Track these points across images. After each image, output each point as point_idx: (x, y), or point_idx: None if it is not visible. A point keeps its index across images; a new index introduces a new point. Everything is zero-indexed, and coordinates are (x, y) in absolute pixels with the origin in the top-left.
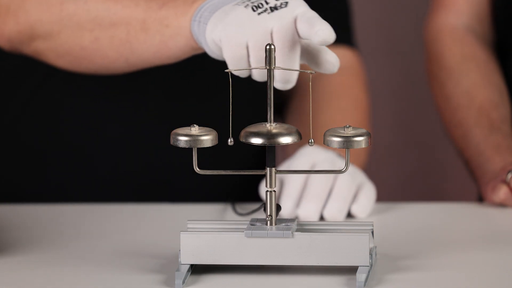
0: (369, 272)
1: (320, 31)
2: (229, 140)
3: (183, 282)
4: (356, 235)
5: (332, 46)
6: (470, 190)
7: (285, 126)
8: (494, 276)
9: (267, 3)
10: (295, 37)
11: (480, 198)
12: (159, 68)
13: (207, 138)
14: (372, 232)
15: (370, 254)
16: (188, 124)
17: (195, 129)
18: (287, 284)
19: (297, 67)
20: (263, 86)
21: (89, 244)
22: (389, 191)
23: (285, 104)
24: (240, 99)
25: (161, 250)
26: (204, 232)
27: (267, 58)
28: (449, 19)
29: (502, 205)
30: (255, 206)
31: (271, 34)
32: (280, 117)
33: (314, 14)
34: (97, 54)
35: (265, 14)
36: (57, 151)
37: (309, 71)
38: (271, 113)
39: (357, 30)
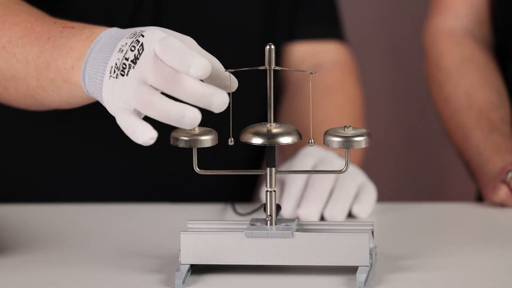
0: (369, 272)
1: (193, 70)
2: (230, 140)
3: (183, 282)
4: (356, 235)
5: (322, 41)
6: (470, 190)
7: (285, 126)
8: (494, 276)
9: (127, 59)
10: (170, 71)
11: (480, 198)
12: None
13: (207, 138)
14: (372, 232)
15: (370, 254)
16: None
17: (195, 129)
18: (287, 284)
19: (190, 95)
20: (263, 86)
21: (89, 244)
22: (389, 191)
23: (278, 104)
24: (240, 99)
25: (161, 250)
26: (204, 232)
27: (267, 58)
28: (448, 22)
29: (502, 205)
30: (255, 206)
31: (147, 83)
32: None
33: (174, 43)
34: (12, 100)
35: (131, 71)
36: (57, 151)
37: (309, 71)
38: (271, 113)
39: (357, 30)
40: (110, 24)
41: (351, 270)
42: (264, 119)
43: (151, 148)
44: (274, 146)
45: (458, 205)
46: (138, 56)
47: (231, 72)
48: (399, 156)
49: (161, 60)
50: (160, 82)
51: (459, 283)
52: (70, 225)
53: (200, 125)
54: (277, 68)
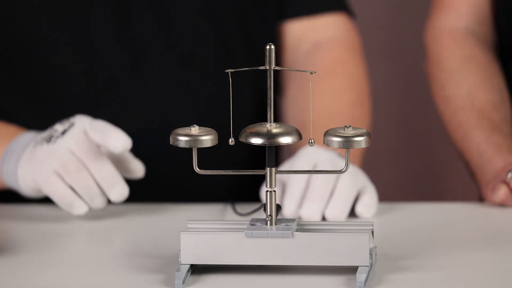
0: (369, 272)
1: (116, 142)
2: (230, 140)
3: (183, 282)
4: (356, 235)
5: (317, 15)
6: (470, 190)
7: (285, 126)
8: (494, 276)
9: (56, 131)
10: (93, 147)
11: (480, 198)
12: (159, 68)
13: (207, 138)
14: (372, 232)
15: (370, 254)
16: (188, 124)
17: (195, 129)
18: (287, 284)
19: (109, 170)
20: (263, 87)
21: (90, 244)
22: (389, 191)
23: (282, 100)
24: (241, 99)
25: (161, 250)
26: (204, 232)
27: (267, 58)
28: (450, 21)
29: (502, 205)
30: (255, 206)
31: (71, 151)
32: (279, 115)
33: (101, 123)
34: None
35: (58, 139)
36: None
37: (309, 71)
38: (271, 113)
39: (358, 30)
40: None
41: (351, 270)
42: (263, 118)
43: (151, 148)
44: (274, 146)
45: (458, 205)
46: (68, 130)
47: (231, 72)
48: (399, 156)
49: (87, 136)
50: (82, 153)
51: (459, 283)
52: (70, 225)
53: (200, 125)
54: (277, 68)
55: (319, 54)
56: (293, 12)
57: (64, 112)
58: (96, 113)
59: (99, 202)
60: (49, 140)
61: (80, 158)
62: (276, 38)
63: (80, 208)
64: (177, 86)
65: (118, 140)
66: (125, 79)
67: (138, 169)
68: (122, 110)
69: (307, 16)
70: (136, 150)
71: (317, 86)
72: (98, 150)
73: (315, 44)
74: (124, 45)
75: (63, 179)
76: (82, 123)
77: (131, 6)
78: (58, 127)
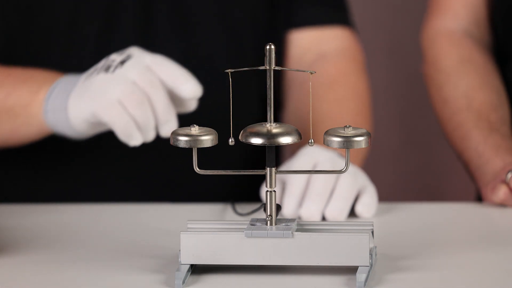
0: (369, 272)
1: (188, 89)
2: (230, 140)
3: (183, 282)
4: (356, 235)
5: (324, 27)
6: (470, 190)
7: (285, 126)
8: (494, 276)
9: (114, 61)
10: (155, 80)
11: (480, 198)
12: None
13: (207, 138)
14: (372, 232)
15: (370, 254)
16: (188, 124)
17: (195, 129)
18: (287, 284)
19: (164, 104)
20: (263, 86)
21: (89, 244)
22: (389, 191)
23: (283, 103)
24: (241, 99)
25: (161, 250)
26: (204, 232)
27: (267, 58)
28: (446, 23)
29: (502, 205)
30: (255, 206)
31: (134, 82)
32: (280, 117)
33: (163, 60)
34: None
35: (118, 70)
36: (57, 151)
37: (309, 71)
38: (271, 113)
39: (357, 30)
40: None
41: (351, 270)
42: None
43: (151, 148)
44: (274, 146)
45: (458, 205)
46: (127, 60)
47: (231, 72)
48: (399, 156)
49: (151, 70)
50: (145, 85)
51: (459, 283)
52: (70, 225)
53: (200, 125)
54: (277, 68)
55: (323, 64)
56: (300, 23)
57: None
58: None
59: (151, 136)
60: (107, 69)
61: (144, 89)
62: (283, 47)
63: (138, 140)
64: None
65: (190, 87)
66: None
67: (190, 104)
68: None
69: (313, 27)
70: (136, 150)
71: (320, 93)
72: (159, 84)
73: (320, 55)
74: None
75: (126, 109)
76: (141, 55)
77: (153, 11)
78: (115, 57)
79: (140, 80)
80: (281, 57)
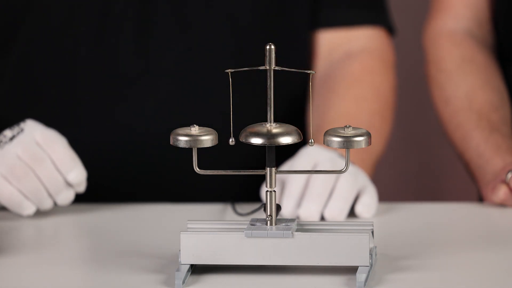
0: (369, 272)
1: (73, 178)
2: (230, 140)
3: (183, 282)
4: (356, 235)
5: (353, 27)
6: (470, 190)
7: (285, 126)
8: (494, 276)
9: (5, 136)
10: (40, 152)
11: (480, 198)
12: (160, 68)
13: (207, 138)
14: (372, 232)
15: (370, 254)
16: (188, 124)
17: (195, 129)
18: (287, 284)
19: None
20: (263, 86)
21: (89, 244)
22: (389, 191)
23: (309, 99)
24: (241, 99)
25: (161, 250)
26: (204, 232)
27: (267, 58)
28: (448, 23)
29: (502, 205)
30: (255, 206)
31: (18, 156)
32: (302, 113)
33: (53, 135)
34: None
35: (6, 145)
36: None
37: (309, 71)
38: (271, 113)
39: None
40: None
41: (351, 270)
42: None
43: (151, 148)
44: (274, 146)
45: (458, 205)
46: (16, 136)
47: (231, 72)
48: (399, 156)
49: (37, 145)
50: (28, 157)
51: (459, 283)
52: (70, 225)
53: (200, 125)
54: (277, 68)
55: (349, 62)
56: (327, 22)
57: (76, 110)
58: (112, 111)
59: (47, 204)
60: None
61: (27, 162)
62: (307, 46)
63: (29, 209)
64: (196, 89)
65: (75, 175)
66: (138, 80)
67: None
68: (134, 111)
69: (342, 27)
70: (136, 150)
71: (340, 92)
72: (44, 157)
73: (347, 53)
74: (142, 47)
75: (10, 183)
76: (32, 130)
77: (153, 8)
78: (8, 132)
79: (24, 154)
80: (309, 57)
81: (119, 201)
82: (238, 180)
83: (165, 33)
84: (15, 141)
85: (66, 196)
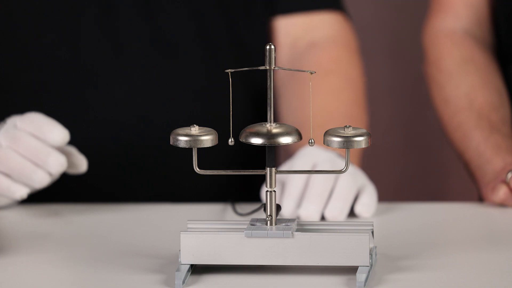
0: (369, 272)
1: (55, 136)
2: (230, 140)
3: (183, 282)
4: (356, 235)
5: (313, 13)
6: (470, 190)
7: (285, 126)
8: (494, 276)
9: None
10: (18, 134)
11: (480, 198)
12: (159, 69)
13: (207, 138)
14: (372, 232)
15: (370, 254)
16: (188, 124)
17: (195, 129)
18: (287, 284)
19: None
20: (263, 86)
21: (90, 244)
22: (389, 191)
23: (278, 100)
24: (241, 99)
25: (161, 250)
26: (204, 232)
27: (267, 58)
28: (448, 23)
29: (502, 205)
30: (255, 206)
31: (0, 144)
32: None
33: (33, 115)
34: None
35: None
36: None
37: (309, 71)
38: (271, 113)
39: (357, 30)
40: None
41: (351, 270)
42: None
43: (151, 148)
44: (274, 146)
45: (458, 205)
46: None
47: (231, 72)
48: (399, 156)
49: (15, 128)
50: (8, 139)
51: (459, 283)
52: (70, 225)
53: (200, 125)
54: (277, 68)
55: (315, 53)
56: (286, 8)
57: (44, 99)
58: (79, 101)
59: (39, 178)
60: None
61: (8, 145)
62: (266, 34)
63: (21, 191)
64: (160, 78)
65: (57, 133)
66: (107, 69)
67: (81, 163)
68: (104, 100)
69: (301, 13)
70: (136, 150)
71: (313, 84)
72: (23, 135)
73: (311, 43)
74: (107, 36)
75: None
76: (13, 119)
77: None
78: None
79: (5, 139)
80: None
81: (119, 201)
82: (238, 180)
83: (130, 21)
84: None
85: (56, 161)
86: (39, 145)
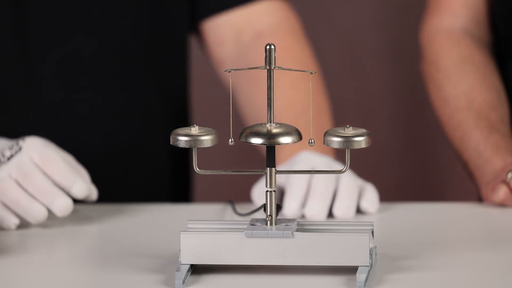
0: (369, 272)
1: (77, 193)
2: (230, 140)
3: (183, 282)
4: (356, 235)
5: (252, 2)
6: (470, 190)
7: (285, 126)
8: (494, 276)
9: (3, 156)
10: (31, 169)
11: (480, 198)
12: (159, 68)
13: (207, 138)
14: (372, 232)
15: (370, 254)
16: (188, 124)
17: (195, 129)
18: (287, 284)
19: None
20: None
21: (89, 244)
22: (389, 191)
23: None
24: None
25: (161, 250)
26: (204, 232)
27: (267, 58)
28: (446, 22)
29: (502, 205)
30: (255, 206)
31: (10, 175)
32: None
33: (52, 154)
34: None
35: (3, 164)
36: None
37: (309, 71)
38: (271, 113)
39: (357, 30)
40: None
41: (351, 270)
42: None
43: (151, 148)
44: (274, 146)
45: (458, 205)
46: (14, 155)
47: (231, 72)
48: (399, 156)
49: (34, 164)
50: (20, 174)
51: (459, 283)
52: (70, 225)
53: (200, 125)
54: (277, 68)
55: (263, 44)
56: (224, 4)
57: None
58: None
59: (35, 211)
60: None
61: (15, 177)
62: (186, 46)
63: (8, 221)
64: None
65: (78, 189)
66: (18, 88)
67: (92, 195)
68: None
69: (240, 6)
70: (135, 150)
71: (264, 82)
72: (36, 169)
73: (256, 34)
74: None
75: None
76: (29, 149)
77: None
78: (6, 152)
79: (17, 173)
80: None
81: (119, 201)
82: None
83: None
84: (12, 160)
85: (62, 204)
86: (46, 185)
